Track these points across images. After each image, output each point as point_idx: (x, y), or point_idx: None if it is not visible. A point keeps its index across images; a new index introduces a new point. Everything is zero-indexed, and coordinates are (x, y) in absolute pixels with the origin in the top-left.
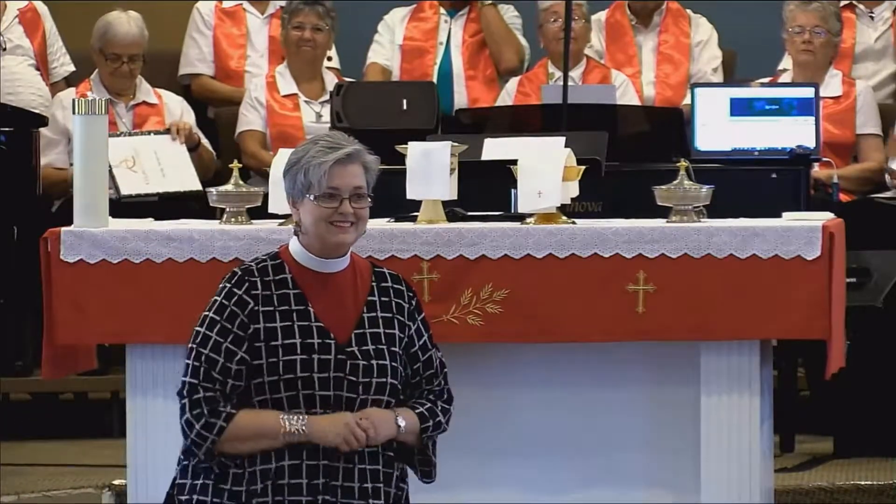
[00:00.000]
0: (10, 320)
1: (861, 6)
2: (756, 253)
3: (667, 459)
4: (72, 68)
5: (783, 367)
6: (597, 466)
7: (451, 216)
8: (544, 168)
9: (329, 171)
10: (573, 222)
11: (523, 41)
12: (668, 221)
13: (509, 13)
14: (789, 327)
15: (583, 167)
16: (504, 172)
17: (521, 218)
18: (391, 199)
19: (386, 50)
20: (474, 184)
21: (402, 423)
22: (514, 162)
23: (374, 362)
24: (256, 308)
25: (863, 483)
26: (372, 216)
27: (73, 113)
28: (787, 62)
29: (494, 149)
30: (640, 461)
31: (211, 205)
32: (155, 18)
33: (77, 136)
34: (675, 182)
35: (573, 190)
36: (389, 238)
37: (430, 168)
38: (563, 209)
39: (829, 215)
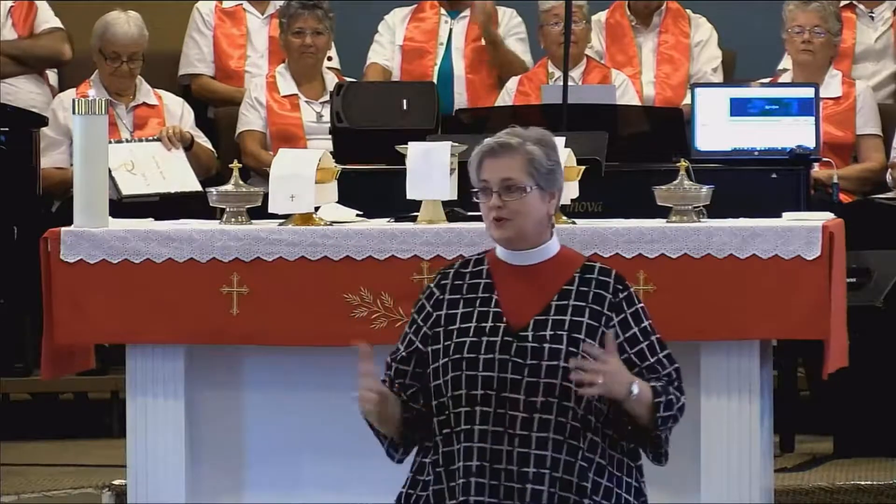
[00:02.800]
0: (10, 320)
1: (861, 6)
2: (756, 253)
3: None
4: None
5: (783, 367)
6: None
7: (451, 216)
8: None
9: (480, 163)
10: (573, 222)
11: (526, 57)
12: (668, 221)
13: (513, 20)
14: (789, 327)
15: (583, 167)
16: None
17: None
18: (391, 199)
19: (386, 50)
20: None
21: (635, 389)
22: None
23: (546, 346)
24: (442, 297)
25: (863, 483)
26: (372, 216)
27: (73, 113)
28: (787, 62)
29: None
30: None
31: (211, 205)
32: (155, 18)
33: (77, 136)
34: (675, 182)
35: (573, 190)
36: (389, 238)
37: (430, 168)
38: (563, 209)
39: (829, 215)
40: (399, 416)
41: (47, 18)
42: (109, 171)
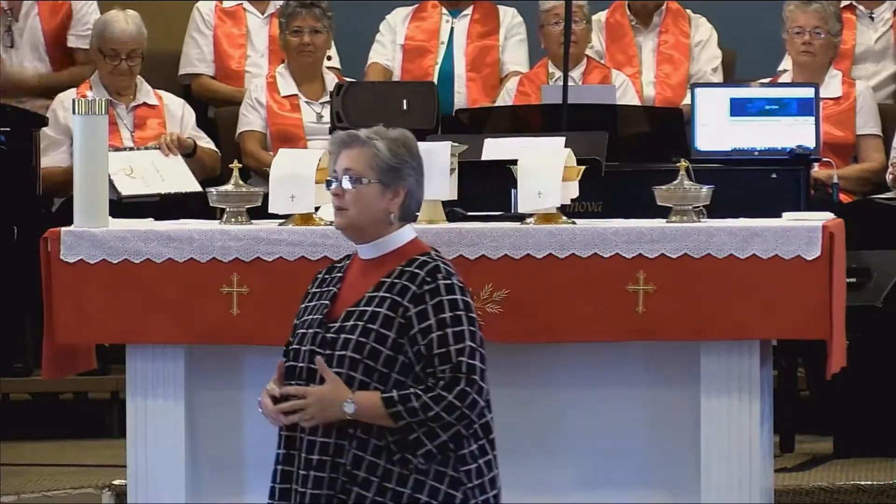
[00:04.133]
0: (10, 320)
1: (861, 7)
2: (756, 253)
3: (667, 459)
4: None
5: (783, 367)
6: (597, 466)
7: (451, 216)
8: (544, 168)
9: (334, 153)
10: (573, 222)
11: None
12: (668, 221)
13: (513, 20)
14: (789, 327)
15: (583, 167)
16: (504, 172)
17: (521, 218)
18: None
19: (387, 50)
20: (474, 184)
21: (349, 409)
22: (514, 162)
23: (342, 336)
24: (310, 290)
25: (863, 483)
26: None
27: (73, 113)
28: (787, 62)
29: (494, 149)
30: (640, 461)
31: (211, 205)
32: (155, 18)
33: (77, 136)
34: (675, 182)
35: (573, 190)
36: None
37: (430, 168)
38: (563, 209)
39: (829, 215)
40: None
41: (86, 20)
42: (108, 176)
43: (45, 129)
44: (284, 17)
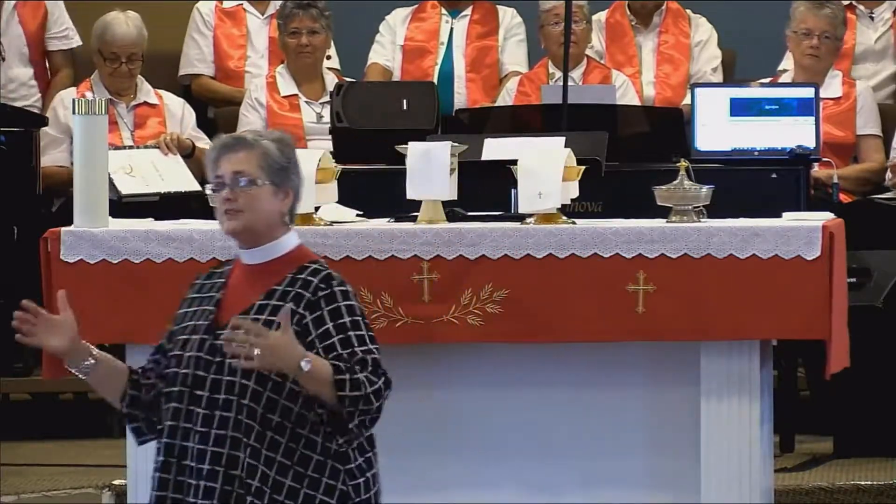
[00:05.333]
0: (10, 320)
1: (861, 7)
2: (756, 253)
3: (667, 460)
4: (76, 42)
5: (783, 367)
6: (597, 467)
7: (451, 216)
8: (544, 168)
9: (215, 158)
10: (573, 222)
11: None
12: (668, 221)
13: (513, 20)
14: (789, 327)
15: (583, 167)
16: (504, 172)
17: (521, 218)
18: (391, 199)
19: (387, 50)
20: (474, 184)
21: (306, 365)
22: (514, 162)
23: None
24: (189, 296)
25: (863, 483)
26: (372, 216)
27: (74, 113)
28: (787, 62)
29: (494, 149)
30: (640, 462)
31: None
32: (155, 18)
33: (77, 136)
34: (675, 182)
35: (573, 190)
36: (389, 238)
37: (430, 168)
38: (563, 209)
39: (829, 215)
40: (123, 389)
41: (61, 21)
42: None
43: (44, 128)
44: (282, 19)
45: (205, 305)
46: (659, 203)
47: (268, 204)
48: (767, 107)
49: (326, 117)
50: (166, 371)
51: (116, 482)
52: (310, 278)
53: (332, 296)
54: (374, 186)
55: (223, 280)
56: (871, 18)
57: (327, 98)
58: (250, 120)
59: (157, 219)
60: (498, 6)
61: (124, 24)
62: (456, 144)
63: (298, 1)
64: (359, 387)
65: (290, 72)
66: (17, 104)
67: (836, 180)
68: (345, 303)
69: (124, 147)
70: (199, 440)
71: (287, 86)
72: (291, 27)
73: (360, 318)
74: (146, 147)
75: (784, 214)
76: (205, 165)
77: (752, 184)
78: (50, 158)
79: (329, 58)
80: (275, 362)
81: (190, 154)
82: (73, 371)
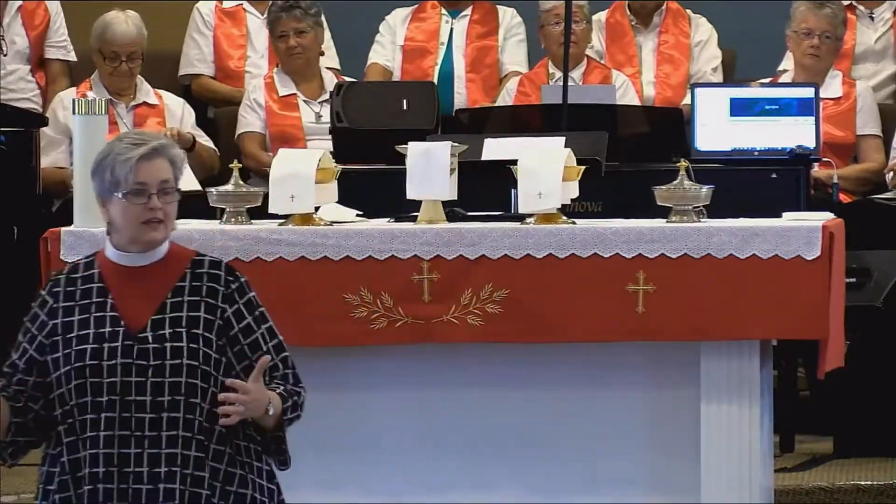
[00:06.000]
0: (10, 320)
1: (861, 7)
2: (756, 253)
3: (667, 460)
4: (72, 58)
5: (783, 367)
6: (597, 467)
7: (451, 216)
8: (544, 168)
9: (135, 166)
10: (573, 222)
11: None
12: (668, 221)
13: (513, 20)
14: (789, 327)
15: (583, 167)
16: (504, 172)
17: (521, 218)
18: (391, 199)
19: (387, 50)
20: (474, 184)
21: (271, 409)
22: (514, 162)
23: (167, 345)
24: (56, 305)
25: (863, 483)
26: (372, 216)
27: (73, 113)
28: (787, 62)
29: (494, 149)
30: (639, 461)
31: (211, 205)
32: (155, 18)
33: (77, 136)
34: (675, 182)
35: (573, 190)
36: (389, 238)
37: (430, 168)
38: (563, 209)
39: (829, 215)
40: (8, 420)
41: (62, 31)
42: None
43: (44, 128)
44: (269, 24)
45: (95, 312)
46: (659, 203)
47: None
48: (767, 107)
49: (325, 117)
50: (73, 384)
51: None
52: (214, 271)
53: (242, 288)
54: (374, 186)
55: (101, 284)
56: (871, 18)
57: (326, 97)
58: (249, 120)
59: None
60: (498, 6)
61: (124, 22)
62: (456, 144)
63: (282, 2)
64: (297, 408)
65: (286, 72)
66: (16, 97)
67: (836, 180)
68: (251, 293)
69: None
70: (149, 444)
71: (285, 86)
72: (278, 31)
73: (264, 309)
74: None
75: (784, 214)
76: (110, 166)
77: (752, 184)
78: (49, 160)
79: (323, 54)
80: (253, 412)
81: (191, 148)
82: None
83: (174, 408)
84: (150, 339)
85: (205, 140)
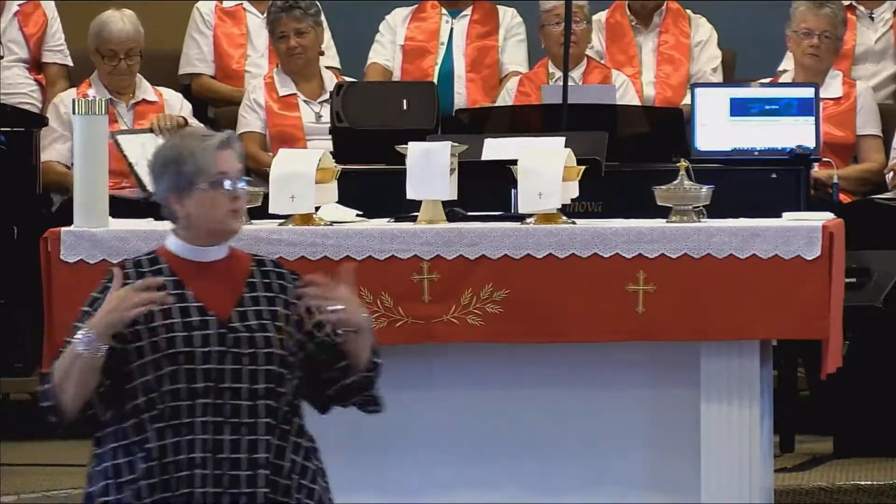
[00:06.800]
0: (10, 320)
1: (861, 7)
2: (756, 253)
3: (667, 460)
4: (69, 62)
5: (783, 367)
6: (597, 467)
7: (451, 216)
8: (544, 168)
9: (216, 155)
10: (573, 222)
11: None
12: (668, 221)
13: (513, 20)
14: (789, 327)
15: (583, 167)
16: (504, 172)
17: (521, 218)
18: (391, 199)
19: (387, 50)
20: (474, 184)
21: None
22: (514, 162)
23: (256, 335)
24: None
25: (863, 483)
26: (372, 216)
27: (74, 113)
28: (787, 63)
29: (494, 149)
30: (639, 462)
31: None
32: (154, 18)
33: (77, 136)
34: (675, 182)
35: (573, 190)
36: (389, 238)
37: (430, 168)
38: (563, 209)
39: (829, 215)
40: (93, 386)
41: (59, 35)
42: (132, 167)
43: (49, 112)
44: (269, 24)
45: (176, 302)
46: (659, 203)
47: None
48: (767, 107)
49: (325, 117)
50: (166, 370)
51: None
52: (279, 270)
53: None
54: (374, 186)
55: (170, 277)
56: (871, 19)
57: (326, 97)
58: (249, 121)
59: (157, 219)
60: (498, 6)
61: (120, 20)
62: (456, 144)
63: (282, 3)
64: (378, 360)
65: (286, 72)
66: (15, 93)
67: (836, 180)
68: None
69: (126, 132)
70: (247, 431)
71: (285, 86)
72: (278, 31)
73: None
74: (142, 132)
75: (784, 214)
76: (188, 159)
77: (752, 184)
78: (53, 153)
79: (323, 54)
80: (353, 314)
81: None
82: (87, 348)
83: (267, 396)
84: (241, 328)
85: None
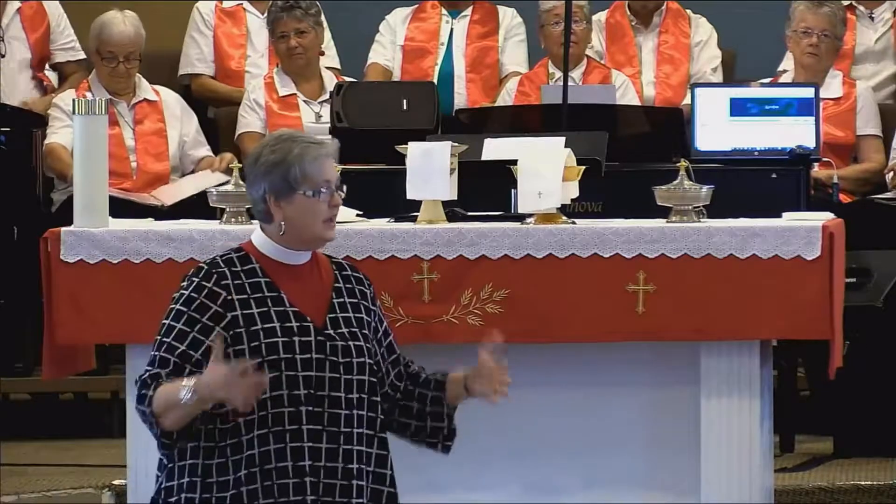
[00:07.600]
0: (10, 320)
1: (861, 7)
2: (756, 253)
3: (667, 459)
4: (81, 56)
5: (783, 367)
6: (597, 467)
7: (451, 216)
8: (544, 168)
9: (323, 164)
10: (573, 222)
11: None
12: (668, 221)
13: (513, 20)
14: (789, 327)
15: (583, 167)
16: (504, 172)
17: (521, 218)
18: (391, 199)
19: (387, 50)
20: (474, 184)
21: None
22: (514, 162)
23: (350, 343)
24: (230, 297)
25: (863, 483)
26: (372, 216)
27: (74, 113)
28: (787, 63)
29: (494, 149)
30: (639, 461)
31: (211, 205)
32: (154, 18)
33: (77, 136)
34: (675, 182)
35: (573, 190)
36: (389, 238)
37: (430, 168)
38: (563, 209)
39: (829, 215)
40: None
41: (67, 32)
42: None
43: (51, 109)
44: (269, 24)
45: (273, 306)
46: (659, 203)
47: None
48: (767, 107)
49: (325, 117)
50: (267, 376)
51: (116, 482)
52: (356, 274)
53: (373, 290)
54: (374, 186)
55: (264, 279)
56: (871, 19)
57: (326, 97)
58: (249, 121)
59: (157, 219)
60: (498, 6)
61: (121, 23)
62: (456, 144)
63: (282, 3)
64: None
65: (286, 72)
66: (16, 90)
67: (836, 180)
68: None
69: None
70: (345, 440)
71: (285, 86)
72: (279, 31)
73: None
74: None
75: (784, 214)
76: (295, 164)
77: (752, 184)
78: (59, 137)
79: (323, 54)
80: (491, 388)
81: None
82: (189, 401)
83: (362, 406)
84: (335, 336)
85: (206, 149)
